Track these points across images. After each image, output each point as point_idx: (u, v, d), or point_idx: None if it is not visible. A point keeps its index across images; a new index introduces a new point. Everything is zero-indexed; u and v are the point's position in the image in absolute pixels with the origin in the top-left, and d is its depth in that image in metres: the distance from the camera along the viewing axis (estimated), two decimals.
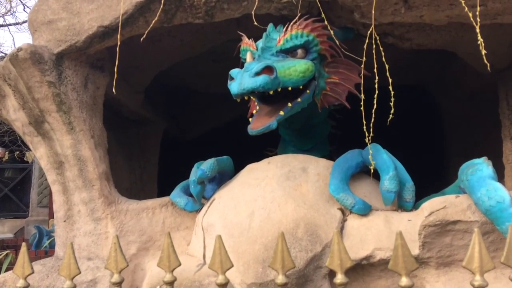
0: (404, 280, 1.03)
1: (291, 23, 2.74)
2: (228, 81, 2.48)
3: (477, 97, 4.11)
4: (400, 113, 2.69)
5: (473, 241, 0.98)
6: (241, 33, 2.97)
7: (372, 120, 2.57)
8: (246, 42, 2.86)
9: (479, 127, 4.21)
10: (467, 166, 2.39)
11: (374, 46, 2.54)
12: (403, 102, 3.12)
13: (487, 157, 2.38)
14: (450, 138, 4.78)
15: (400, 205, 2.71)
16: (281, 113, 2.57)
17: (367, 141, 2.63)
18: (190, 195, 3.12)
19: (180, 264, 1.18)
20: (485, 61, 2.07)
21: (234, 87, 2.38)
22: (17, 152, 10.04)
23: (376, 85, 2.49)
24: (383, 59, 2.47)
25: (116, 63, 2.80)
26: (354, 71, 2.99)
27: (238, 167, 3.27)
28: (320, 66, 2.89)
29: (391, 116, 2.49)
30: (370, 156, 2.63)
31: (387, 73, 2.45)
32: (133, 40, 3.05)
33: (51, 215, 7.05)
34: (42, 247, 5.05)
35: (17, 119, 3.07)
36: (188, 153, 4.16)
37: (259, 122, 2.58)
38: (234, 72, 2.46)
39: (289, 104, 2.62)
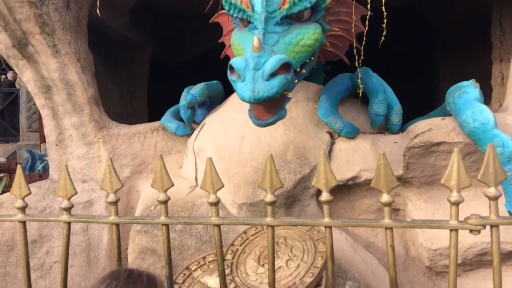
0: (385, 197, 1.09)
1: None
2: (228, 72, 1.97)
3: (470, 18, 4.03)
4: (391, 35, 2.62)
5: (452, 159, 1.03)
6: None
7: (363, 43, 2.54)
8: None
9: (470, 50, 4.18)
10: (455, 89, 2.41)
11: None
12: (394, 23, 3.05)
13: (475, 80, 2.40)
14: (440, 61, 4.76)
15: (387, 127, 2.77)
16: (289, 95, 2.10)
17: (357, 64, 2.61)
18: (181, 119, 3.14)
19: (173, 185, 1.23)
20: None
21: (245, 92, 1.85)
22: (3, 76, 9.82)
23: (369, 6, 2.42)
24: None
25: None
26: (356, 15, 2.58)
27: (228, 92, 3.26)
28: (323, 21, 2.44)
29: (383, 38, 2.45)
30: (359, 80, 2.62)
31: None
32: None
33: (42, 139, 7.07)
34: (35, 171, 5.14)
35: (0, 41, 2.97)
36: (178, 77, 4.12)
37: (263, 108, 2.06)
38: (239, 65, 1.88)
39: (295, 81, 2.19)
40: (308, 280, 2.04)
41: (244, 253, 2.35)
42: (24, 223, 1.31)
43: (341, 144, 2.76)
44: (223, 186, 1.21)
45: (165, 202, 1.24)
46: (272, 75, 1.83)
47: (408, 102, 2.81)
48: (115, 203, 1.26)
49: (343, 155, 2.71)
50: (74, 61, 2.93)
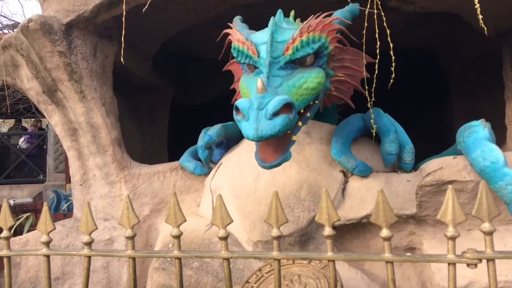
0: (384, 232, 1.14)
1: (301, 28, 2.29)
2: (234, 113, 2.05)
3: (483, 60, 4.11)
4: (405, 76, 2.70)
5: (447, 196, 1.08)
6: (229, 24, 2.66)
7: (374, 85, 2.63)
8: (240, 40, 2.41)
9: (484, 90, 4.23)
10: (465, 129, 2.46)
11: (375, 10, 2.56)
12: (410, 65, 3.14)
13: (484, 119, 2.45)
14: (455, 101, 4.81)
15: (400, 166, 2.81)
16: (294, 138, 2.17)
17: (369, 105, 2.70)
18: (199, 159, 3.26)
19: (185, 220, 1.31)
20: (482, 25, 2.10)
21: (249, 131, 1.93)
22: (33, 119, 10.26)
23: (378, 51, 2.53)
24: (385, 23, 2.49)
25: (123, 32, 2.87)
26: (360, 62, 2.71)
27: None
28: (326, 66, 2.54)
29: (391, 81, 2.54)
30: (372, 120, 2.70)
31: (388, 38, 2.48)
32: (139, 8, 3.11)
33: (67, 180, 7.30)
34: (60, 211, 5.29)
35: (31, 88, 3.19)
36: (196, 119, 4.28)
37: (269, 151, 2.15)
38: (243, 106, 1.97)
39: (299, 124, 2.25)
40: None
41: None
42: (48, 257, 1.40)
43: (355, 183, 2.81)
44: (232, 221, 1.28)
45: (178, 237, 1.32)
46: (275, 114, 1.91)
47: (423, 142, 2.86)
48: (132, 238, 1.34)
49: (356, 194, 2.75)
50: (100, 106, 3.11)
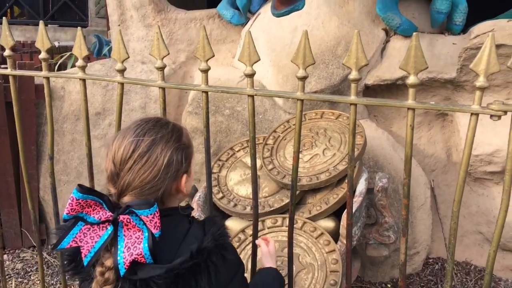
0: (412, 78, 1.11)
1: None
2: None
3: None
4: None
5: (485, 45, 1.01)
6: None
7: None
8: None
9: None
10: None
11: None
12: None
13: None
14: None
15: (448, 27, 2.63)
16: None
17: None
18: (237, 8, 3.14)
19: (213, 55, 1.30)
20: None
21: None
22: None
23: None
24: None
25: None
26: None
27: None
28: None
29: None
30: None
31: None
32: None
33: (109, 26, 7.32)
34: (102, 55, 5.42)
35: None
36: None
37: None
38: None
39: None
40: (341, 167, 2.15)
41: (284, 139, 2.48)
42: (84, 80, 1.48)
43: (396, 43, 2.68)
44: (259, 59, 1.27)
45: (206, 71, 1.34)
46: None
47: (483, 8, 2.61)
48: (162, 68, 1.37)
49: (396, 54, 2.65)
50: None
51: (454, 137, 2.71)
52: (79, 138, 3.06)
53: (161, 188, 0.92)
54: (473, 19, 2.69)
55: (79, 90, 1.81)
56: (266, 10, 3.03)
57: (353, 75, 1.17)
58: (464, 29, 2.64)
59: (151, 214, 0.85)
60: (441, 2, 2.46)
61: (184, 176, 0.97)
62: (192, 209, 1.03)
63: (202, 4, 4.39)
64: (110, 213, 0.88)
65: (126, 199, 0.91)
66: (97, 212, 0.88)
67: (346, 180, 1.36)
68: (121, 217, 0.87)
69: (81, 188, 0.87)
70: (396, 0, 2.62)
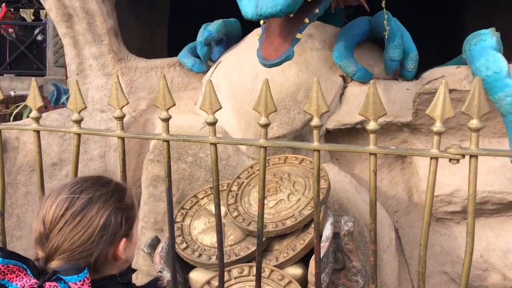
0: (372, 124, 1.13)
1: None
2: None
3: None
4: None
5: (439, 91, 1.05)
6: None
7: None
8: None
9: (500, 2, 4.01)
10: (473, 36, 2.36)
11: None
12: None
13: (495, 28, 2.34)
14: (467, 11, 4.60)
15: (401, 74, 2.75)
16: (298, 36, 2.06)
17: (382, 4, 2.51)
18: (198, 56, 3.18)
19: (174, 104, 1.29)
20: None
21: (248, 8, 1.83)
22: (31, 10, 9.92)
23: None
24: None
25: None
26: None
27: (245, 31, 3.26)
28: None
29: None
30: (385, 21, 2.51)
31: None
32: None
33: (67, 75, 7.22)
34: (60, 103, 5.31)
35: None
36: (199, 15, 4.09)
37: (272, 48, 2.05)
38: None
39: (306, 21, 2.11)
40: (306, 212, 2.14)
41: (249, 185, 2.45)
42: (38, 132, 1.42)
43: (353, 88, 2.77)
44: (221, 107, 1.27)
45: (166, 120, 1.32)
46: None
47: (429, 54, 2.75)
48: (121, 118, 1.34)
49: (354, 99, 2.73)
50: None
51: (414, 178, 2.77)
52: (34, 191, 2.92)
53: (94, 252, 0.83)
54: (424, 66, 2.84)
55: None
56: (226, 58, 3.09)
57: (315, 121, 1.19)
58: (417, 75, 2.77)
59: (79, 281, 0.76)
60: (393, 50, 2.57)
61: (123, 241, 0.88)
62: (133, 271, 0.93)
63: (163, 53, 4.42)
64: (35, 280, 0.78)
65: (54, 263, 0.82)
66: (21, 279, 0.78)
67: (313, 225, 1.34)
68: (47, 284, 0.77)
69: (2, 252, 0.78)
70: (351, 48, 2.73)
